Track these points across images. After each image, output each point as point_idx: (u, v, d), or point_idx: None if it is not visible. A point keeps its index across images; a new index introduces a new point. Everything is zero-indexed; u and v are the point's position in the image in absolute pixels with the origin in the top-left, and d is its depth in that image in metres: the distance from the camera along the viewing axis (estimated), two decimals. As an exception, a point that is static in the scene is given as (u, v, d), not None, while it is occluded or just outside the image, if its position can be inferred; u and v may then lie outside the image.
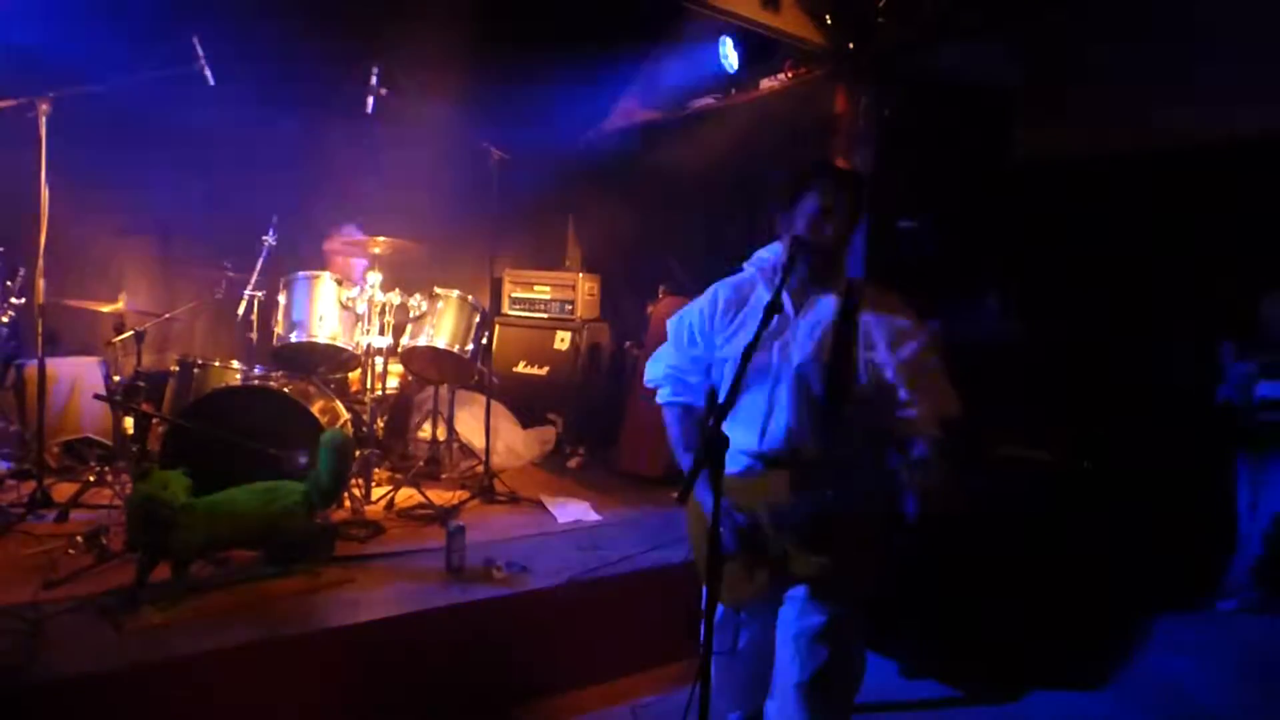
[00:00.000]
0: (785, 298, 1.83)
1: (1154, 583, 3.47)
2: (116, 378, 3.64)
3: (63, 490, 3.25)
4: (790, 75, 4.28)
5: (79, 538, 2.76)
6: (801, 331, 1.87)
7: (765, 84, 4.44)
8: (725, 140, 4.49)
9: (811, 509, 1.79)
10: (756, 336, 1.67)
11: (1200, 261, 3.63)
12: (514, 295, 5.23)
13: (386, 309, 3.73)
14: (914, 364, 1.82)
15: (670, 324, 2.08)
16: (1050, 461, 3.14)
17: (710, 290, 2.02)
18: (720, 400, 1.68)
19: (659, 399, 2.10)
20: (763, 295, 1.92)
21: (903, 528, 1.81)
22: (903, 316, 1.87)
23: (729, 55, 4.38)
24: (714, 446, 1.55)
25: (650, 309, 4.69)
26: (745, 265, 2.01)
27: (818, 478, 1.80)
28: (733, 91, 4.64)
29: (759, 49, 4.30)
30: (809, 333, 1.86)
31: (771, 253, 1.98)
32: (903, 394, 1.81)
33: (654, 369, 2.10)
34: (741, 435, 1.87)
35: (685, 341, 2.03)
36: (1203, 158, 3.60)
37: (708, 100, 4.77)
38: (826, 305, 1.87)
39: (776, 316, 1.77)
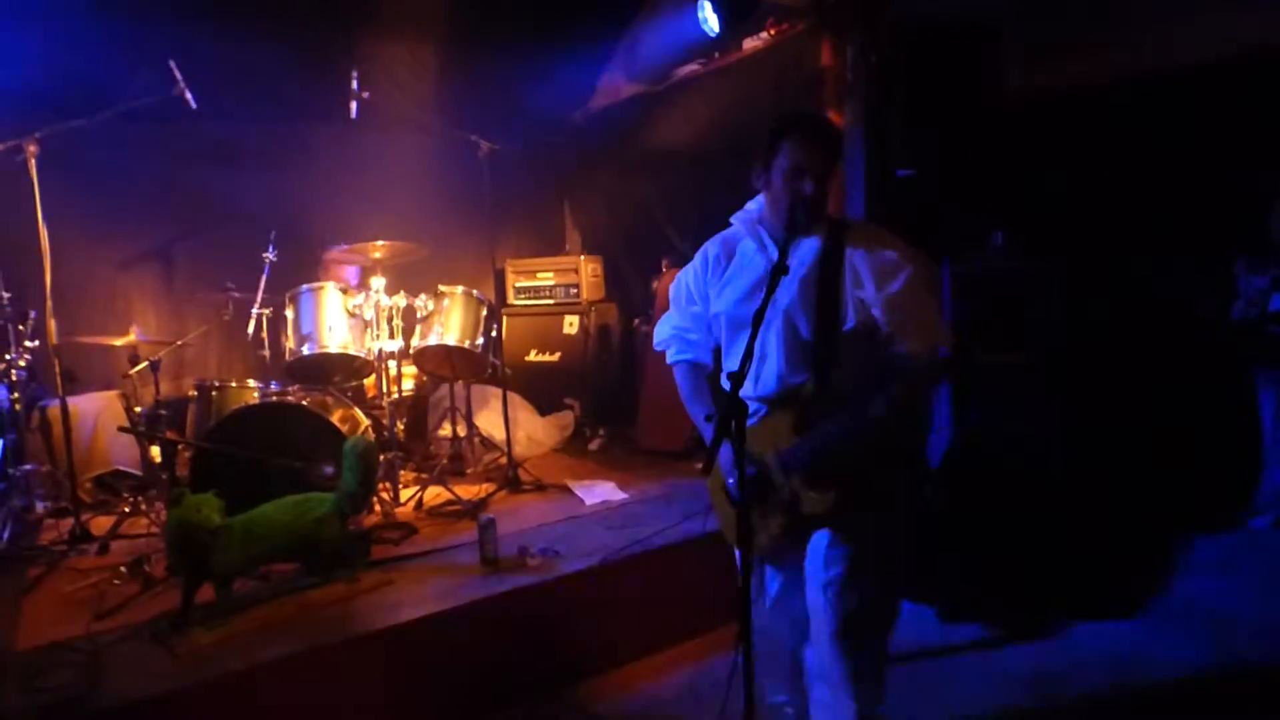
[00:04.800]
0: (773, 250, 1.87)
1: (1184, 506, 3.47)
2: (138, 409, 3.68)
3: (100, 523, 3.31)
4: (773, 32, 4.21)
5: (122, 568, 2.82)
6: (788, 275, 1.87)
7: (748, 44, 4.36)
8: (714, 106, 4.43)
9: (815, 446, 1.81)
10: (762, 307, 1.67)
11: (1207, 179, 3.57)
12: (518, 285, 5.23)
13: (394, 312, 3.75)
14: (901, 298, 1.81)
15: (670, 288, 2.15)
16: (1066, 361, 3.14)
17: (701, 249, 2.08)
18: (735, 364, 1.68)
19: (668, 359, 2.17)
20: (749, 246, 1.96)
21: (918, 463, 1.83)
22: (890, 249, 1.85)
23: (709, 19, 4.31)
24: (733, 415, 1.58)
25: (655, 284, 4.68)
26: (731, 220, 2.03)
27: (819, 416, 1.81)
28: (716, 56, 4.56)
29: (738, 9, 4.22)
30: (794, 275, 1.87)
31: (757, 204, 2.00)
32: (892, 330, 1.81)
33: (661, 331, 2.18)
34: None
35: (684, 301, 2.10)
36: (1204, 74, 3.52)
37: (692, 67, 4.70)
38: (810, 247, 1.89)
39: (764, 265, 1.85)
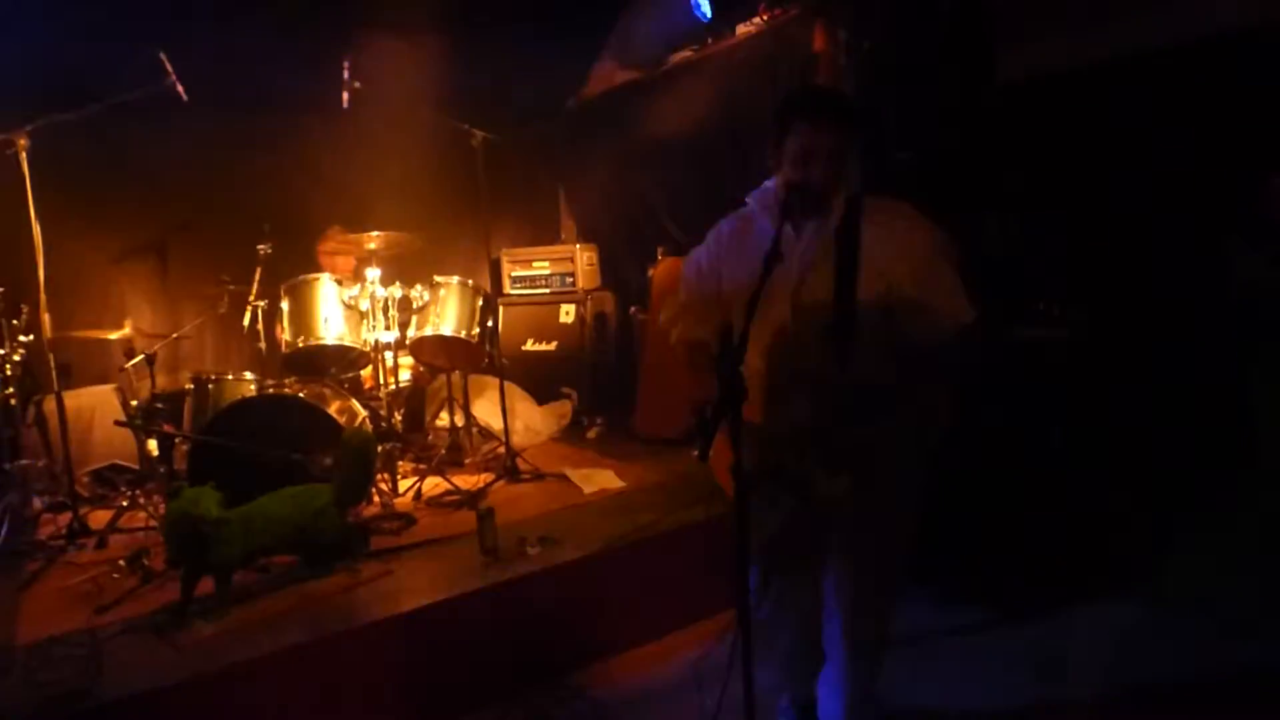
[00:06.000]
0: (787, 228, 1.83)
1: (1182, 485, 3.48)
2: (134, 402, 3.68)
3: (98, 518, 3.31)
4: (765, 17, 4.19)
5: (121, 562, 2.83)
6: (801, 254, 1.86)
7: (741, 29, 4.34)
8: (707, 92, 4.41)
9: (831, 424, 1.76)
10: (760, 285, 1.65)
11: (1202, 156, 3.56)
12: (514, 274, 5.22)
13: (389, 303, 3.74)
14: (923, 270, 1.77)
15: (682, 266, 2.10)
16: (1069, 339, 3.13)
17: (715, 227, 2.04)
18: (735, 341, 1.66)
19: (671, 340, 2.11)
20: (764, 224, 1.92)
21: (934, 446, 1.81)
22: (909, 220, 1.83)
23: (702, 4, 4.29)
24: (731, 392, 1.56)
25: (651, 271, 4.67)
26: (746, 199, 2.00)
27: (836, 394, 1.77)
28: (709, 41, 4.54)
29: (731, -7, 4.20)
30: (808, 250, 1.85)
31: (773, 183, 1.96)
32: (915, 302, 1.76)
33: (667, 312, 2.12)
34: (754, 362, 1.88)
35: (695, 279, 2.05)
36: (1199, 51, 3.50)
37: (685, 53, 4.68)
38: (825, 223, 1.85)
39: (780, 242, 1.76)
